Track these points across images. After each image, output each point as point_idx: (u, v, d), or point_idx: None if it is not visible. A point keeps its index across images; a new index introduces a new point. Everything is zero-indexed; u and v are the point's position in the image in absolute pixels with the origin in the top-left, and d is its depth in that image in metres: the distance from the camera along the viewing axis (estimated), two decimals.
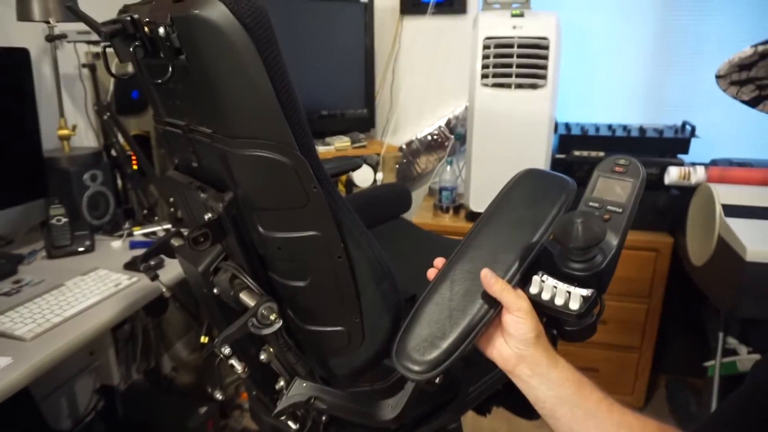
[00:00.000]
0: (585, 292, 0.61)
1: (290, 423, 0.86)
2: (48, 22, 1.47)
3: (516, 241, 0.68)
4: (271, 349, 0.78)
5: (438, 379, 0.63)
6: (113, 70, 0.72)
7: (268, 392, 0.86)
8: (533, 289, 0.64)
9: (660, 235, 1.82)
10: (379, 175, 2.01)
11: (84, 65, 1.67)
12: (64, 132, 1.58)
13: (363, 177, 1.97)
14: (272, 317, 0.70)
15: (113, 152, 1.68)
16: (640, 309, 1.86)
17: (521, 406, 1.17)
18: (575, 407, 0.60)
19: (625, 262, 1.81)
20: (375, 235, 0.72)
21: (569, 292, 0.61)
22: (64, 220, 1.43)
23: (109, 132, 1.65)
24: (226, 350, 0.71)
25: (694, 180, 1.62)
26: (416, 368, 0.61)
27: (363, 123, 2.14)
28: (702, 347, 1.80)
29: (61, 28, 1.50)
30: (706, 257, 1.51)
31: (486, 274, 0.63)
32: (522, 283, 0.65)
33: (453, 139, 2.17)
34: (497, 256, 0.67)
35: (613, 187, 0.68)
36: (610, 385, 1.94)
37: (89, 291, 1.19)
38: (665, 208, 1.82)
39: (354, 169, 1.37)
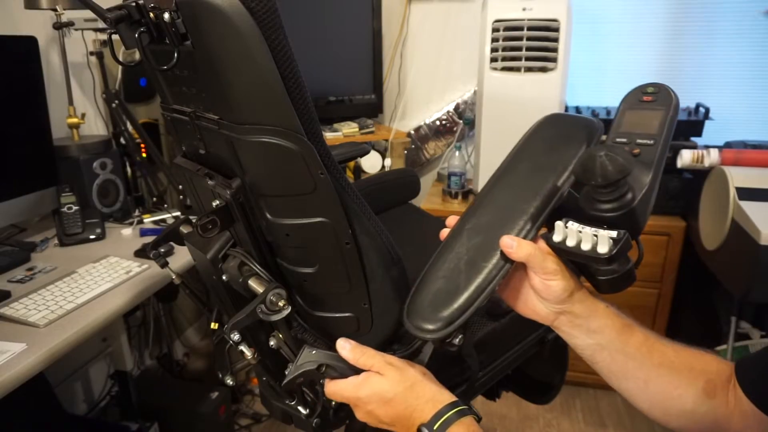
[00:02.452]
0: (614, 233, 0.55)
1: (300, 408, 0.87)
2: (55, 10, 1.47)
3: (534, 189, 0.61)
4: (281, 335, 0.78)
5: (458, 339, 0.59)
6: (120, 58, 0.71)
7: (278, 378, 0.86)
8: (557, 237, 0.58)
9: (672, 219, 1.80)
10: (388, 161, 2.01)
11: (92, 53, 1.67)
12: (74, 120, 1.59)
13: (371, 163, 1.96)
14: (281, 303, 0.70)
15: (122, 140, 1.68)
16: (652, 294, 1.85)
17: (531, 391, 1.17)
18: (615, 352, 0.60)
19: None
20: (383, 221, 0.71)
21: (596, 236, 0.55)
22: (75, 208, 1.44)
23: (118, 120, 1.66)
24: (236, 336, 0.71)
25: (707, 163, 1.59)
26: (430, 326, 0.57)
27: (371, 108, 2.12)
28: (713, 332, 1.79)
29: (68, 15, 1.50)
30: (719, 241, 1.50)
31: (506, 240, 0.58)
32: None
33: (462, 123, 2.15)
34: (515, 207, 0.61)
35: (642, 119, 0.61)
36: None
37: (101, 278, 1.20)
38: (678, 192, 1.80)
39: (362, 155, 1.36)
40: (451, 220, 0.67)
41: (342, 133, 1.94)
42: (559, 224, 0.58)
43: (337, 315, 0.75)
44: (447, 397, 0.62)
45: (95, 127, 1.81)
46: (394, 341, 0.76)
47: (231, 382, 0.98)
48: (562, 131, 0.67)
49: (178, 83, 0.75)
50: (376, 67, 2.09)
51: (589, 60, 2.06)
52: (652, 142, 0.59)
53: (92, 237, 1.45)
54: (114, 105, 1.63)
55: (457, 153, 2.05)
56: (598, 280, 0.59)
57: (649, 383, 0.60)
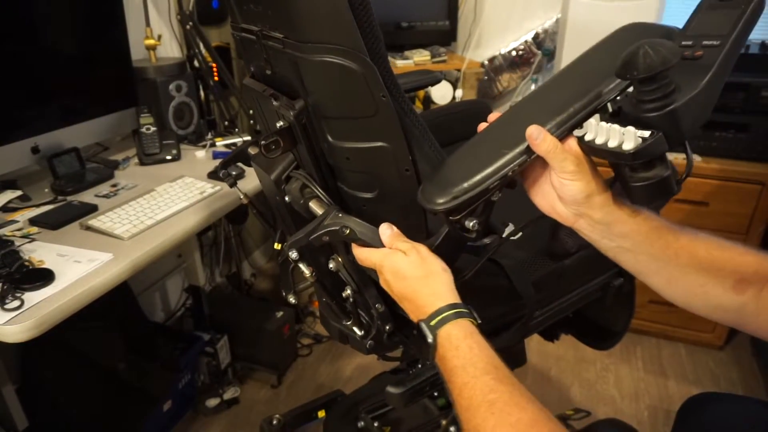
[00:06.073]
0: (646, 133, 0.51)
1: (355, 329, 0.89)
2: None
3: (580, 90, 0.58)
4: (339, 259, 0.80)
5: (472, 224, 0.61)
6: None
7: (336, 299, 0.89)
8: (588, 135, 0.56)
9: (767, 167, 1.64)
10: (459, 92, 1.94)
11: None
12: (151, 42, 1.62)
13: (441, 94, 1.90)
14: None
15: (196, 63, 1.71)
16: None
17: (591, 336, 1.15)
18: (638, 254, 0.60)
19: (725, 195, 1.67)
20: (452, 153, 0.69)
21: (624, 133, 0.52)
22: (152, 129, 1.50)
23: (192, 42, 1.68)
24: (294, 254, 0.73)
25: None
26: (439, 200, 0.59)
27: (444, 36, 2.04)
28: None
29: None
30: None
31: (531, 131, 0.57)
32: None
33: (540, 55, 2.03)
34: (553, 106, 0.59)
35: (714, 20, 0.55)
36: (689, 321, 1.85)
37: (177, 197, 1.26)
38: None
39: (433, 84, 1.31)
40: (492, 116, 0.67)
41: (413, 60, 1.88)
42: (590, 122, 0.56)
43: None
44: (452, 297, 0.63)
45: (170, 49, 1.85)
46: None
47: (294, 301, 1.02)
48: (633, 38, 0.61)
49: (246, 1, 0.74)
50: None
51: None
52: (717, 42, 0.53)
53: (169, 158, 1.52)
54: (188, 26, 1.64)
55: (533, 86, 1.95)
56: (629, 188, 0.56)
57: (672, 281, 0.61)
